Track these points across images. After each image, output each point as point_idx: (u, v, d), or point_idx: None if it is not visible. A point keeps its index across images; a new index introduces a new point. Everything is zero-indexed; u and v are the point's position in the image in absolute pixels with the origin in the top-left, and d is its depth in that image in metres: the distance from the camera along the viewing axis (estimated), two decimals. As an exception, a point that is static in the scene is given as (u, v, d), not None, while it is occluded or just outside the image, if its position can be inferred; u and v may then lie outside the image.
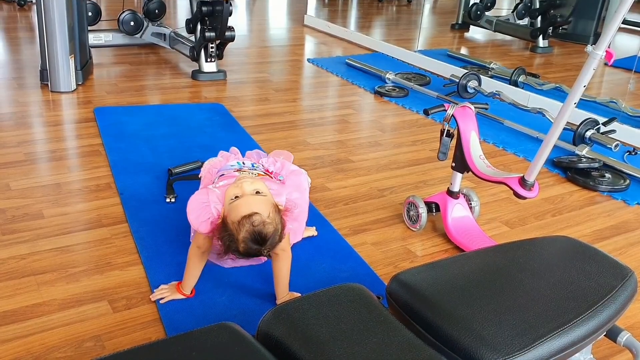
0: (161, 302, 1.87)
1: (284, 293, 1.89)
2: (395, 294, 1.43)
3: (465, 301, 1.36)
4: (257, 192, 1.74)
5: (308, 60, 5.05)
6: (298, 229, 2.10)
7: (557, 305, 1.37)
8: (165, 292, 1.90)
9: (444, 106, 2.33)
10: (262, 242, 1.68)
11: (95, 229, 2.27)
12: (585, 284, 1.45)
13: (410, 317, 1.37)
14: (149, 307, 1.87)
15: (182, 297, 1.89)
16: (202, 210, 1.79)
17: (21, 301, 1.85)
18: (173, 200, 2.47)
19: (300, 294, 1.91)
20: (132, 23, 4.59)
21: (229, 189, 1.77)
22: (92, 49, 4.24)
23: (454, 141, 2.31)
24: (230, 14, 3.93)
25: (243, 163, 2.04)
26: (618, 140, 3.26)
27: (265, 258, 2.02)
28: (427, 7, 7.94)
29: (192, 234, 2.01)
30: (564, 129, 2.11)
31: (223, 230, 1.72)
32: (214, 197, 1.78)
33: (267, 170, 2.03)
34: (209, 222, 1.77)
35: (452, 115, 2.26)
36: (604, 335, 1.49)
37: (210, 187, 1.83)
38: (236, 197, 1.73)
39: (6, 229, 2.23)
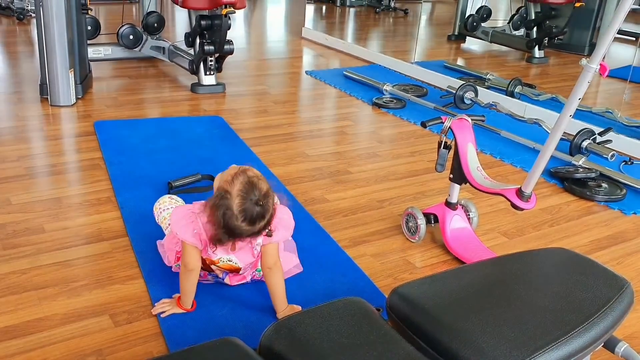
0: (162, 316, 1.88)
1: (283, 306, 1.90)
2: (395, 307, 1.44)
3: (465, 314, 1.38)
4: None
5: (306, 72, 5.08)
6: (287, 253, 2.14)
7: (555, 317, 1.38)
8: (166, 306, 1.91)
9: (441, 118, 2.35)
10: (257, 201, 1.67)
11: (96, 243, 2.28)
12: (582, 295, 1.46)
13: (410, 330, 1.38)
14: (150, 321, 1.88)
15: (183, 311, 1.90)
16: (184, 214, 1.82)
17: (22, 316, 1.86)
18: (173, 213, 2.49)
19: (300, 307, 1.92)
20: (131, 37, 4.62)
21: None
22: (91, 63, 4.26)
23: (452, 153, 2.33)
24: (228, 28, 3.95)
25: None
26: (614, 150, 3.28)
27: (249, 278, 2.04)
28: (424, 19, 7.99)
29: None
30: (561, 139, 2.13)
31: (214, 206, 1.69)
32: (195, 208, 1.80)
33: None
34: (192, 229, 1.78)
35: (450, 127, 2.29)
36: (602, 346, 1.51)
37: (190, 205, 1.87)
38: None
39: (7, 243, 2.24)
